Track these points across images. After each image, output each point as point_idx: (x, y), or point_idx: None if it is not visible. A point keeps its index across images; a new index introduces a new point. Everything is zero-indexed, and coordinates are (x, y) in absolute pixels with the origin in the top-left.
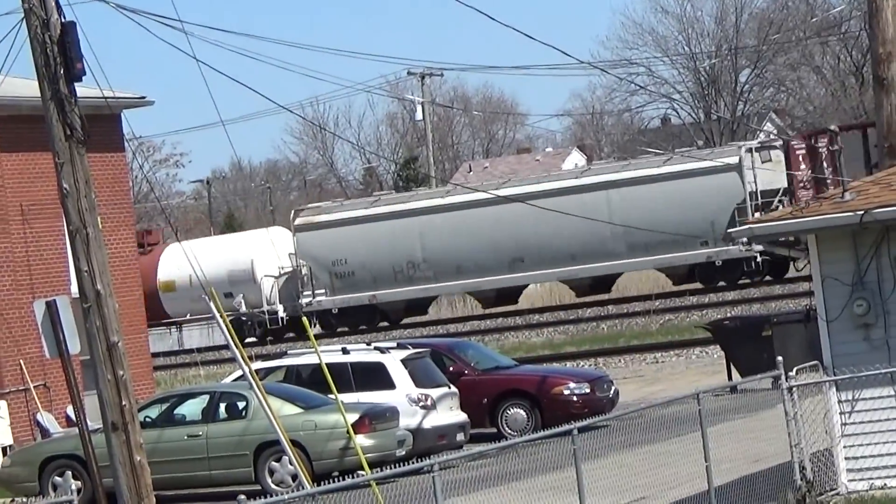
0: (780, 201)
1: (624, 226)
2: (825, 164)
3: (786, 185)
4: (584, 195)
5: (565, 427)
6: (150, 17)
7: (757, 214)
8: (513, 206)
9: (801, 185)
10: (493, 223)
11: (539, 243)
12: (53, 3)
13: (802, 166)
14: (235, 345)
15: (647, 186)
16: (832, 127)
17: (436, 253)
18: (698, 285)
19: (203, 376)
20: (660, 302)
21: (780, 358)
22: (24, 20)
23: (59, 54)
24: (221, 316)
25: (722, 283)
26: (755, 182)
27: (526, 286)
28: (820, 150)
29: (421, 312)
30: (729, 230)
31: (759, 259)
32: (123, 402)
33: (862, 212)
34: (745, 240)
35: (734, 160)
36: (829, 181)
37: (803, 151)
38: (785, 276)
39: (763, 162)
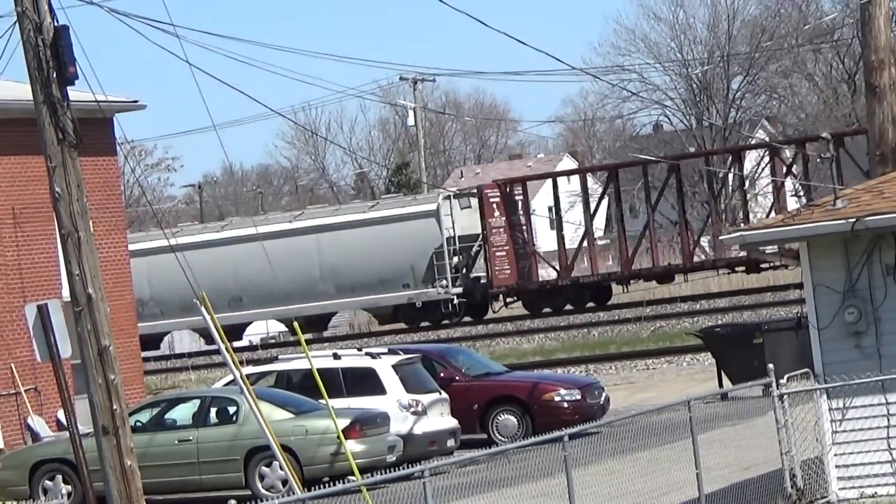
0: (479, 245)
1: (332, 268)
2: (520, 212)
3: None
4: (295, 238)
5: (556, 433)
6: (142, 20)
7: (455, 259)
8: (233, 247)
9: (495, 231)
10: (214, 264)
11: (256, 284)
12: (46, 7)
13: (496, 213)
14: (227, 349)
15: (353, 231)
16: (824, 134)
17: (162, 291)
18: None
19: (194, 381)
20: (651, 309)
21: (770, 365)
22: (17, 24)
23: (52, 58)
24: (213, 321)
25: (425, 323)
26: (453, 228)
27: (248, 324)
28: (515, 197)
29: (154, 348)
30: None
31: (455, 301)
32: (114, 406)
33: (854, 220)
34: (444, 283)
35: (432, 207)
36: (523, 227)
37: (497, 199)
38: (484, 318)
39: (462, 208)
